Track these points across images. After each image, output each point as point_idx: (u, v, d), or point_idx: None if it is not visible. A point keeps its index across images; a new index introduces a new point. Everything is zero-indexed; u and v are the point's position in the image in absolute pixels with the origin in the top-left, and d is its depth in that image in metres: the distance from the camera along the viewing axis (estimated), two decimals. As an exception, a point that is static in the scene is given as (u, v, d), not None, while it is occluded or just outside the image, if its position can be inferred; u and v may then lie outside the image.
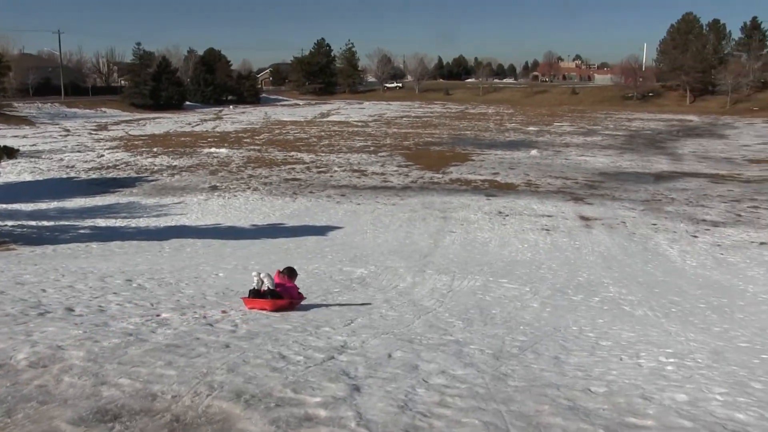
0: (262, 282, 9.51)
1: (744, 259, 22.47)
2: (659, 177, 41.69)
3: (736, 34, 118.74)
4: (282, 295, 9.62)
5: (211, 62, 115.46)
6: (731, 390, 6.58)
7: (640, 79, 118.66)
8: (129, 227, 25.24)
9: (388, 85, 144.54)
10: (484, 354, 7.66)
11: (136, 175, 39.09)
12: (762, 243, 24.94)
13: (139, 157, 46.15)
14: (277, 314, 9.26)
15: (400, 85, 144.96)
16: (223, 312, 9.06)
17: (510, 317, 10.91)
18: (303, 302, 10.09)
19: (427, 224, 27.22)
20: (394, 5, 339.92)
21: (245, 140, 58.00)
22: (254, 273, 9.73)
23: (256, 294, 9.56)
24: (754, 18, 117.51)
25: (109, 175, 39.04)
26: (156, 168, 41.62)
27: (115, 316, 8.43)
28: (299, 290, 10.12)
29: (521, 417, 5.22)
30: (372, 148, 52.89)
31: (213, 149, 50.39)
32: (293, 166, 43.21)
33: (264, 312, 9.25)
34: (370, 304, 11.30)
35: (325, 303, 11.09)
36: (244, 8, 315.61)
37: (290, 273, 10.02)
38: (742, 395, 6.39)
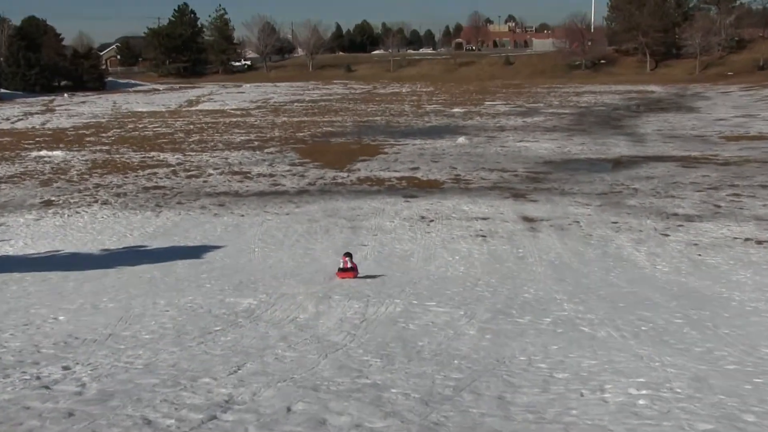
0: (347, 262, 19.32)
1: (727, 261, 23.28)
2: (618, 163, 42.88)
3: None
4: (354, 269, 19.26)
5: (34, 36, 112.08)
6: (718, 425, 6.78)
7: (589, 43, 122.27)
8: (-69, 262, 24.24)
9: (235, 63, 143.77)
10: (410, 399, 7.66)
11: (-62, 192, 37.61)
12: (747, 239, 25.93)
13: (-58, 167, 44.45)
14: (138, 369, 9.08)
15: (248, 63, 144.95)
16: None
17: (441, 350, 10.96)
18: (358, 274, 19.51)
19: (332, 237, 27.17)
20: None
21: (88, 139, 56.67)
22: (340, 259, 19.69)
23: (342, 270, 19.16)
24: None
25: None
26: (-34, 181, 40.18)
27: None
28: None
29: (460, 478, 5.23)
30: (257, 144, 52.59)
31: (44, 152, 48.92)
32: (155, 170, 42.46)
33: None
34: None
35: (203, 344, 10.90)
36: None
37: (350, 256, 19.73)
38: (732, 431, 6.59)
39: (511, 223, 29.08)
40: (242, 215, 31.17)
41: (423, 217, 30.01)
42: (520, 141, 52.16)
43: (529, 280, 20.15)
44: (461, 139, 52.32)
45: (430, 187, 36.61)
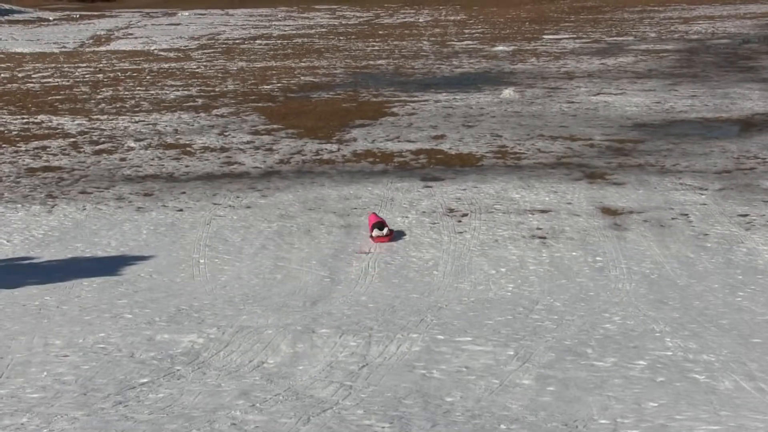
0: (382, 230, 25.99)
1: None
2: (749, 125, 42.89)
3: None
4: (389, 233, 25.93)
5: None
6: None
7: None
8: None
9: None
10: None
11: None
12: None
13: None
14: None
15: None
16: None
17: (480, 409, 11.05)
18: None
19: (315, 241, 27.21)
20: None
21: (-56, 98, 56.94)
22: (377, 231, 25.92)
23: (379, 236, 25.83)
24: None
25: None
26: None
27: None
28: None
29: None
30: (201, 102, 52.83)
31: None
32: (44, 142, 42.52)
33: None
34: None
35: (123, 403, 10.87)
36: None
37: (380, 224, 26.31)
38: None
39: (584, 217, 29.11)
40: (180, 210, 31.20)
41: (452, 210, 30.07)
42: (598, 94, 52.31)
43: (612, 303, 20.24)
44: (508, 92, 52.46)
45: (462, 165, 36.72)
